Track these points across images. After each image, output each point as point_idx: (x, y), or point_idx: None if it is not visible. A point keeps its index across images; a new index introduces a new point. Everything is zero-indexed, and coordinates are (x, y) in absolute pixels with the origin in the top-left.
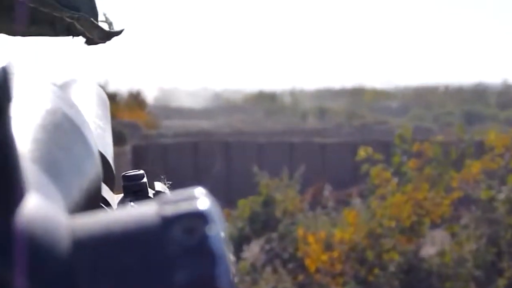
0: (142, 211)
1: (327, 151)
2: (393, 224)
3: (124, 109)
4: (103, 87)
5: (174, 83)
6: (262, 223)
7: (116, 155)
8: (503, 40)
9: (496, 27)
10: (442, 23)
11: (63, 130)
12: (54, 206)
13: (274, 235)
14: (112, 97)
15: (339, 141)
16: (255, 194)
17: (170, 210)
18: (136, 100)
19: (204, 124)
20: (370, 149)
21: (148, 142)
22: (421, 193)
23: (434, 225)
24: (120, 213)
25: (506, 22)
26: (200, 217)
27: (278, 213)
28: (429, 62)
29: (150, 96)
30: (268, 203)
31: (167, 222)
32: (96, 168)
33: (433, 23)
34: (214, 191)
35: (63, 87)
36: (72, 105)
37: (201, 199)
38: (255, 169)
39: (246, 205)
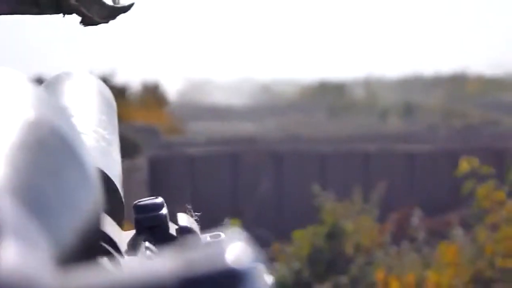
0: (159, 269)
1: (416, 164)
2: (510, 263)
3: (138, 108)
4: (108, 81)
5: (205, 73)
6: (327, 263)
7: (127, 172)
8: None
9: None
10: None
11: (50, 149)
12: (37, 257)
13: (344, 279)
14: (121, 93)
15: (432, 149)
16: (317, 223)
17: (196, 267)
18: (154, 96)
19: (246, 128)
20: (476, 160)
21: (170, 153)
22: None
23: None
24: (127, 272)
25: None
26: (235, 279)
27: (348, 249)
28: None
29: (172, 90)
30: (335, 235)
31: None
32: (94, 198)
33: None
34: (260, 220)
35: (52, 86)
36: (63, 113)
37: (238, 249)
38: (316, 188)
39: (305, 238)
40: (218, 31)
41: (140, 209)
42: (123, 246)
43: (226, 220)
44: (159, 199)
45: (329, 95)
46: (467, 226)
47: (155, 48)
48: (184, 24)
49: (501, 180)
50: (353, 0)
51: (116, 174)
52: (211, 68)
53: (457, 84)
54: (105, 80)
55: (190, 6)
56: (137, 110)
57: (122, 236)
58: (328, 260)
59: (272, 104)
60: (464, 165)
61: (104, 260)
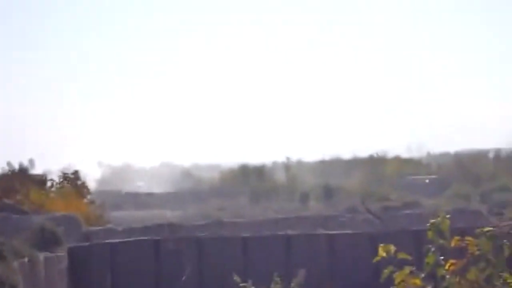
0: None
1: (336, 247)
2: None
3: (57, 198)
4: (27, 172)
5: (125, 158)
6: None
7: (48, 262)
8: None
9: None
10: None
11: None
12: None
13: None
14: (41, 184)
15: (352, 233)
16: None
17: None
18: (73, 184)
19: (168, 214)
20: (392, 247)
21: (91, 242)
22: None
23: None
24: None
25: None
26: None
27: None
28: (474, 121)
29: (92, 178)
30: None
31: None
32: None
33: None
34: None
35: None
36: None
37: None
38: (235, 277)
39: None
40: (135, 116)
41: None
42: None
43: None
44: None
45: (250, 179)
46: None
47: (73, 136)
48: (101, 110)
49: (419, 263)
50: (272, 84)
51: None
52: (130, 153)
53: (375, 165)
54: (24, 170)
55: (106, 93)
56: (57, 200)
57: None
58: None
59: (194, 189)
60: (381, 252)
61: None
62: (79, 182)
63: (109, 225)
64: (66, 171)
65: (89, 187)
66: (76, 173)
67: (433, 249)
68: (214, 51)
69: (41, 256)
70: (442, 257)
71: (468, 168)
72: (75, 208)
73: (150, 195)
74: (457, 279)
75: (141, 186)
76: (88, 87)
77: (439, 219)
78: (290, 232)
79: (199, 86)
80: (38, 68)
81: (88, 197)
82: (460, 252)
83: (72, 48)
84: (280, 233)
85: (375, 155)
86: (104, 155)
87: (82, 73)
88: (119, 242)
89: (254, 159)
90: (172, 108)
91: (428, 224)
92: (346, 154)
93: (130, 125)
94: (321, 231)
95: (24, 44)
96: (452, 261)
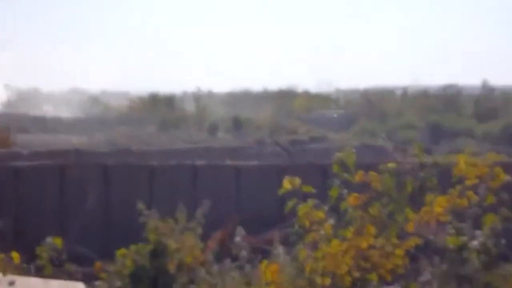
0: None
1: (243, 179)
2: (328, 281)
3: None
4: None
5: (33, 82)
6: (150, 282)
7: None
8: (483, 32)
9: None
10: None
11: None
12: None
13: None
14: None
15: (259, 165)
16: (141, 240)
17: None
18: None
19: (74, 140)
20: (297, 180)
21: None
22: (365, 239)
23: (384, 283)
24: None
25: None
26: None
27: (171, 268)
28: (382, 58)
29: None
30: (159, 253)
31: None
32: None
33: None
34: (84, 236)
35: None
36: None
37: None
38: (141, 205)
39: (128, 257)
40: (45, 39)
41: None
42: None
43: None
44: None
45: (159, 109)
46: (288, 244)
47: None
48: (10, 31)
49: (322, 199)
50: (186, 12)
51: None
52: (39, 77)
53: (284, 99)
54: None
55: (18, 13)
56: None
57: None
58: (151, 278)
59: (101, 116)
60: (287, 184)
61: None
62: None
63: (14, 148)
64: None
65: None
66: None
67: (337, 182)
68: None
69: None
70: (346, 191)
71: (375, 105)
72: None
73: (57, 120)
74: (360, 213)
75: (48, 110)
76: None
77: (344, 153)
78: (197, 162)
79: (111, 12)
80: None
81: None
82: (364, 187)
83: None
84: (187, 162)
85: (284, 89)
86: (11, 78)
87: None
88: (24, 165)
89: (164, 88)
90: (83, 34)
91: (333, 158)
92: (256, 87)
93: (40, 49)
94: (229, 162)
95: None
96: (355, 195)
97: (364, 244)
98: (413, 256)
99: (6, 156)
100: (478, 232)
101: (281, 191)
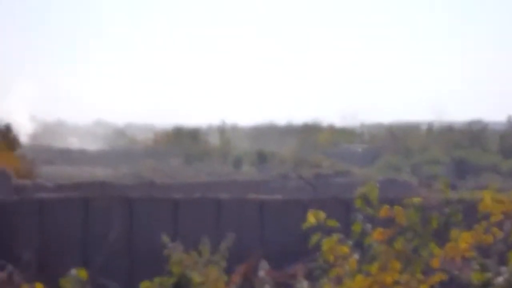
0: None
1: (267, 213)
2: None
3: None
4: None
5: (58, 114)
6: None
7: None
8: (509, 68)
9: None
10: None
11: None
12: None
13: None
14: None
15: (283, 199)
16: (165, 273)
17: None
18: (5, 138)
19: (99, 173)
20: (322, 213)
21: (20, 197)
22: (390, 275)
23: None
24: None
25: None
26: None
27: None
28: (407, 93)
29: (24, 132)
30: (182, 286)
31: None
32: None
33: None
34: (108, 268)
35: None
36: None
37: None
38: (165, 238)
39: None
40: (70, 72)
41: None
42: None
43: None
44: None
45: (184, 141)
46: (312, 278)
47: (6, 89)
48: (36, 64)
49: (348, 231)
50: (210, 46)
51: None
52: (64, 110)
53: (309, 133)
54: None
55: (41, 48)
56: None
57: None
58: None
59: (126, 149)
60: (311, 218)
61: None
62: (10, 136)
63: (39, 180)
64: None
65: (20, 141)
66: (7, 126)
67: (360, 217)
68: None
69: None
70: (370, 226)
71: (400, 140)
72: (5, 161)
73: (82, 152)
74: (385, 248)
75: (74, 142)
76: (23, 40)
77: (367, 187)
78: (221, 195)
79: (136, 45)
80: None
81: (19, 151)
82: (388, 222)
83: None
84: (211, 196)
85: (308, 123)
86: (37, 110)
87: (16, 23)
88: (49, 197)
89: (189, 121)
90: (107, 66)
91: (357, 193)
92: (281, 121)
93: (65, 81)
94: (252, 196)
95: None
96: (379, 230)
97: (389, 280)
98: None
99: (31, 187)
100: (503, 269)
101: (305, 225)
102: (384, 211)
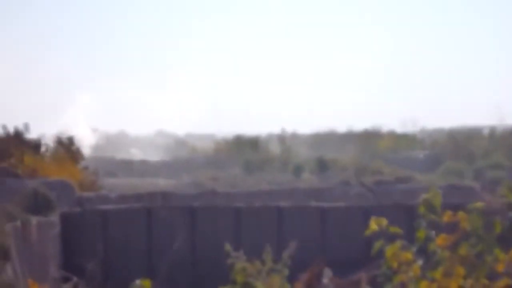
0: None
1: (328, 220)
2: None
3: (51, 163)
4: (21, 136)
5: (120, 126)
6: None
7: (41, 227)
8: None
9: None
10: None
11: None
12: None
13: None
14: (34, 147)
15: (345, 206)
16: (228, 282)
17: None
18: (68, 150)
19: (161, 183)
20: (384, 220)
21: (84, 208)
22: (455, 280)
23: None
24: None
25: None
26: None
27: None
28: (468, 97)
29: (87, 144)
30: None
31: None
32: None
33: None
34: (172, 277)
35: None
36: None
37: None
38: (227, 246)
39: None
40: (132, 83)
41: None
42: None
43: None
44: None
45: (244, 150)
46: (376, 285)
47: (69, 101)
48: (98, 76)
49: (410, 238)
50: (270, 55)
51: None
52: (125, 121)
53: (369, 140)
54: (19, 134)
55: (102, 60)
56: (50, 165)
57: None
58: None
59: (188, 159)
60: (373, 225)
61: None
62: (73, 148)
63: (102, 192)
64: (61, 136)
65: (83, 153)
66: (70, 138)
67: (424, 223)
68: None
69: (34, 220)
70: (433, 232)
71: (462, 145)
72: (68, 173)
73: (144, 163)
74: (449, 254)
75: (136, 153)
76: (84, 51)
77: (431, 194)
78: (282, 203)
79: (194, 54)
80: (34, 31)
81: (82, 163)
82: (452, 228)
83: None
84: (272, 204)
85: (369, 129)
86: (99, 122)
87: (77, 36)
88: (112, 209)
89: (249, 130)
90: (167, 77)
91: (420, 199)
92: (341, 128)
93: (126, 92)
94: (314, 203)
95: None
96: (443, 236)
97: (453, 285)
98: None
99: (94, 199)
100: None
101: (367, 232)
102: (447, 217)
